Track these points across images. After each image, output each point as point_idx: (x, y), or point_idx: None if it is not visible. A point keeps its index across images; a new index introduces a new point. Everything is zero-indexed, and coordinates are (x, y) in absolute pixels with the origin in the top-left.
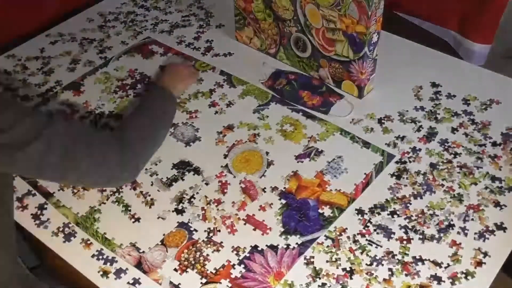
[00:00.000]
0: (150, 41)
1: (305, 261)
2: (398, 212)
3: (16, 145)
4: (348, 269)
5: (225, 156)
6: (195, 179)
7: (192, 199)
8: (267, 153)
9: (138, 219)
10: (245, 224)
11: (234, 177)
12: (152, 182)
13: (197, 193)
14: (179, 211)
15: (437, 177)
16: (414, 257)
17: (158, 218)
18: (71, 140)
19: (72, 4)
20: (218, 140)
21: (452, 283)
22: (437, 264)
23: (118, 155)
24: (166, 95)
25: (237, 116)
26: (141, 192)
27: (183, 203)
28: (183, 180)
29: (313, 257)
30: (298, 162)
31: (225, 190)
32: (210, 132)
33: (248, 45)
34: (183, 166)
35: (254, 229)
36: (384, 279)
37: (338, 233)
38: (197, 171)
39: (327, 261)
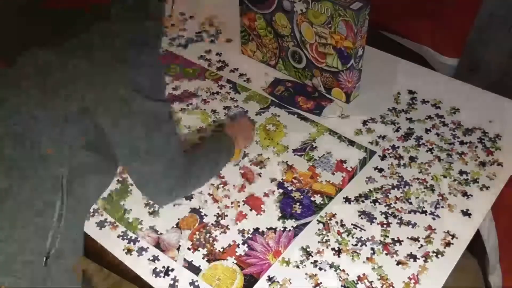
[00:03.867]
0: (167, 53)
1: (299, 242)
2: (379, 201)
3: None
4: (336, 249)
5: None
6: None
7: None
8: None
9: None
10: (243, 204)
11: None
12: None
13: None
14: (188, 197)
15: (413, 170)
16: (393, 239)
17: (174, 205)
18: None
19: None
20: None
21: (425, 261)
22: (414, 239)
23: (173, 187)
24: (231, 150)
25: None
26: None
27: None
28: None
29: (306, 238)
30: (295, 155)
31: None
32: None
33: (251, 57)
34: None
35: (251, 210)
36: (367, 258)
37: (328, 218)
38: None
39: (318, 242)
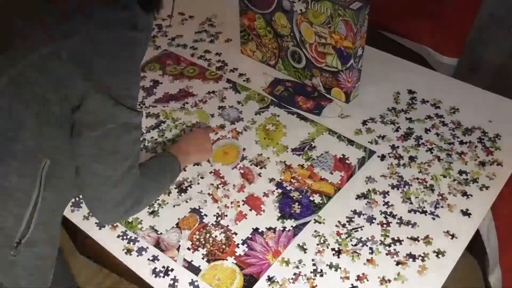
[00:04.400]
0: (167, 53)
1: (299, 242)
2: (377, 200)
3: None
4: (336, 249)
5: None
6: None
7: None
8: (244, 149)
9: (157, 205)
10: (243, 204)
11: (211, 165)
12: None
13: (202, 177)
14: (188, 197)
15: (413, 170)
16: (393, 239)
17: (174, 206)
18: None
19: None
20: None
21: (423, 260)
22: (414, 239)
23: (125, 197)
24: (175, 171)
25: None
26: None
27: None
28: (185, 170)
29: (305, 237)
30: (293, 155)
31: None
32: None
33: (251, 57)
34: None
35: (250, 210)
36: (368, 260)
37: (326, 218)
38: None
39: (317, 242)
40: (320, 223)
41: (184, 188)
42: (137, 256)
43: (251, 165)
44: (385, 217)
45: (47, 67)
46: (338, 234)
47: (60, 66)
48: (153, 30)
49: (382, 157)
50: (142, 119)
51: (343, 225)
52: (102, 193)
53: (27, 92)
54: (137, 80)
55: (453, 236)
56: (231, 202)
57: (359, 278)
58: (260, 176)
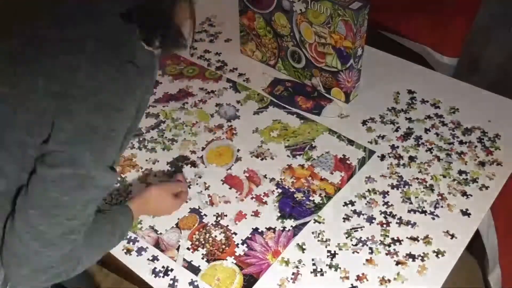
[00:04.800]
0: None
1: (298, 242)
2: (377, 200)
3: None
4: (336, 249)
5: (203, 149)
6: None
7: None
8: (238, 150)
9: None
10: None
11: (206, 167)
12: (155, 174)
13: (200, 177)
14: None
15: (413, 170)
16: (392, 239)
17: None
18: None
19: None
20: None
21: (422, 260)
22: (414, 239)
23: (63, 263)
24: (130, 226)
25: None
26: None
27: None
28: (181, 171)
29: (305, 237)
30: (294, 155)
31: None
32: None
33: (251, 57)
34: (182, 160)
35: (253, 215)
36: (367, 260)
37: (326, 218)
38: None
39: (317, 242)
40: (320, 223)
41: None
42: (137, 256)
43: (251, 157)
44: (385, 217)
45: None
46: (338, 234)
47: (38, 101)
48: None
49: (382, 157)
50: (112, 182)
51: (343, 225)
52: (27, 248)
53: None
54: (119, 131)
55: (452, 236)
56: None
57: (358, 278)
58: (266, 177)
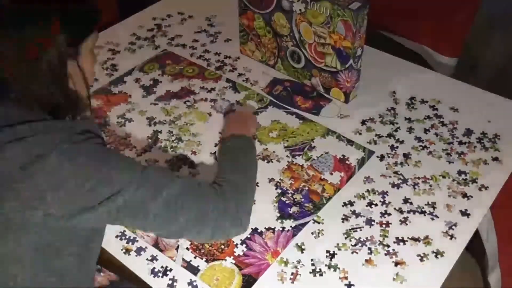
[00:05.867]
0: (166, 53)
1: (298, 242)
2: (376, 202)
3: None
4: (335, 249)
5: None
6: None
7: None
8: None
9: None
10: None
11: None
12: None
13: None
14: None
15: (412, 170)
16: (392, 239)
17: None
18: (176, 193)
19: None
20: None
21: (422, 260)
22: (414, 239)
23: (221, 210)
24: (247, 143)
25: None
26: None
27: None
28: (178, 171)
29: (304, 238)
30: (293, 155)
31: None
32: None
33: (250, 57)
34: (180, 160)
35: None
36: (366, 260)
37: (325, 219)
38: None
39: (317, 242)
40: (319, 223)
41: None
42: (136, 256)
43: (257, 159)
44: (384, 218)
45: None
46: (337, 234)
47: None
48: (152, 30)
49: (381, 157)
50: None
51: (342, 226)
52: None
53: None
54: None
55: (452, 236)
56: None
57: (358, 278)
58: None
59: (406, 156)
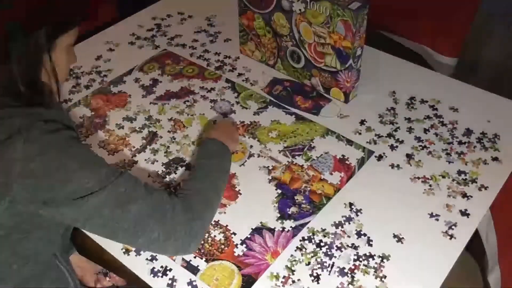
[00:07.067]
0: (166, 52)
1: (298, 242)
2: (376, 201)
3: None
4: (335, 249)
5: None
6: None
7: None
8: (251, 146)
9: None
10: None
11: None
12: (149, 174)
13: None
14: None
15: (412, 170)
16: (392, 238)
17: None
18: (144, 212)
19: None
20: None
21: (421, 260)
22: (413, 239)
23: (187, 228)
24: (223, 151)
25: (238, 117)
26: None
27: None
28: (175, 173)
29: (304, 238)
30: (293, 155)
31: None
32: None
33: (250, 57)
34: (177, 162)
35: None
36: (365, 255)
37: (325, 219)
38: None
39: (316, 244)
40: (319, 223)
41: None
42: (136, 256)
43: (257, 159)
44: (384, 218)
45: None
46: (337, 234)
47: None
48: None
49: (381, 157)
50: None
51: (342, 226)
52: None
53: None
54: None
55: (452, 236)
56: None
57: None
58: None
59: (406, 156)
